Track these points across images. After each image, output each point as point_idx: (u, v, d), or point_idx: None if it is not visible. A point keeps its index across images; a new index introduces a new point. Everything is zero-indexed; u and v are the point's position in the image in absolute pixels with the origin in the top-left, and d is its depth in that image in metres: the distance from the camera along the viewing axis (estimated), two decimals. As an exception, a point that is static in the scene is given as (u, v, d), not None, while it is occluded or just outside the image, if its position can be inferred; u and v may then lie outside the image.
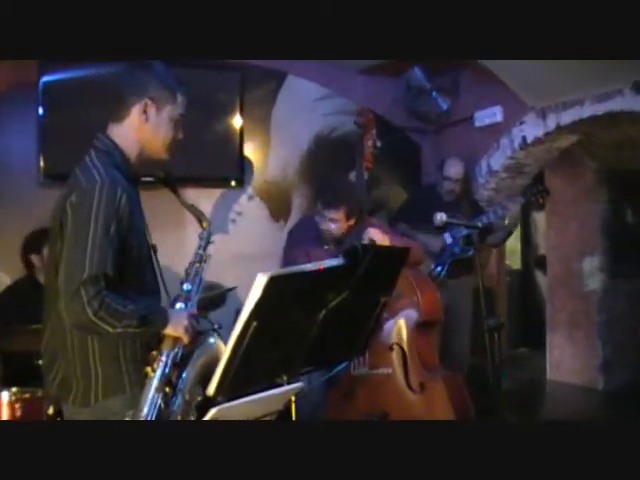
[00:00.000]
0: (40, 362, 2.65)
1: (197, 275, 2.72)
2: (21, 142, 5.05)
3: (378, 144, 4.28)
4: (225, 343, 2.37)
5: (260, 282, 2.22)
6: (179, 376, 2.59)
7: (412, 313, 4.11)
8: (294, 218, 5.88)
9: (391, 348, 4.08)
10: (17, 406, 3.47)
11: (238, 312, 2.28)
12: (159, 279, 2.70)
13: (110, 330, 2.34)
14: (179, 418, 2.56)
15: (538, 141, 5.66)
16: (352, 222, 4.19)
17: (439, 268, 5.37)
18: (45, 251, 4.08)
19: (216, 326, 3.05)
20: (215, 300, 4.62)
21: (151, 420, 2.46)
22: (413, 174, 6.56)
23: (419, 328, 4.12)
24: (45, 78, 4.91)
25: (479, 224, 4.92)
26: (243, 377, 2.36)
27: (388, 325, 4.10)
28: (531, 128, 5.65)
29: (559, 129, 5.43)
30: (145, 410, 2.46)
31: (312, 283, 2.43)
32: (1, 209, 4.89)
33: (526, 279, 9.39)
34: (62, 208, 2.42)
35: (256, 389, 2.39)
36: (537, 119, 5.57)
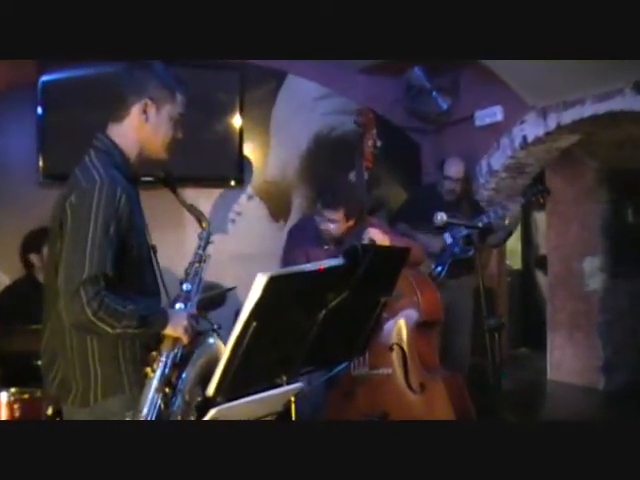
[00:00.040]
0: (39, 362, 2.64)
1: (197, 275, 2.72)
2: (20, 142, 5.05)
3: (378, 144, 4.27)
4: (225, 343, 2.37)
5: (260, 282, 2.21)
6: (179, 376, 2.59)
7: (412, 313, 4.10)
8: (294, 218, 5.87)
9: (391, 348, 4.07)
10: (16, 406, 3.46)
11: (238, 312, 2.28)
12: (159, 279, 2.69)
13: (109, 330, 2.33)
14: (179, 419, 2.56)
15: (539, 141, 5.66)
16: (351, 223, 4.18)
17: (439, 268, 5.36)
18: (44, 251, 4.08)
19: (216, 326, 3.04)
20: (215, 300, 4.60)
21: (150, 420, 2.45)
22: (413, 174, 6.56)
23: (419, 328, 4.11)
24: (44, 78, 4.91)
25: (479, 224, 4.91)
26: (243, 377, 2.35)
27: (388, 325, 4.09)
28: (531, 128, 5.64)
29: (560, 129, 5.43)
30: (145, 411, 2.46)
31: (312, 283, 2.42)
32: (0, 209, 4.89)
33: (527, 279, 9.38)
34: (62, 208, 2.42)
35: (256, 389, 2.38)
36: (538, 119, 5.56)
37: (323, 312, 2.48)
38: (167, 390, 2.52)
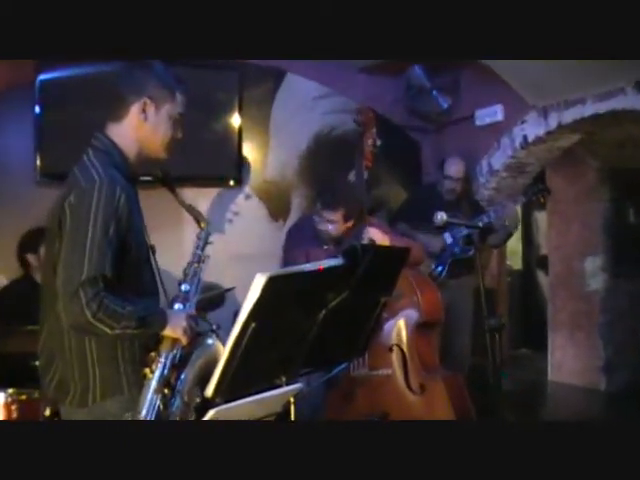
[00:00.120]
0: (37, 363, 2.62)
1: (195, 276, 2.72)
2: (18, 141, 5.04)
3: (378, 143, 4.26)
4: (224, 344, 2.36)
5: (259, 282, 2.20)
6: (178, 377, 2.58)
7: (412, 313, 4.09)
8: (293, 218, 5.86)
9: (391, 349, 4.06)
10: (13, 407, 3.45)
11: (237, 313, 2.27)
12: (157, 279, 2.68)
13: (108, 331, 2.33)
14: (178, 419, 2.55)
15: (539, 140, 5.64)
16: (350, 224, 4.18)
17: (439, 268, 5.35)
18: (42, 250, 4.07)
19: (214, 327, 3.04)
20: (214, 301, 4.59)
21: (149, 420, 2.45)
22: (413, 173, 6.55)
23: (419, 329, 4.10)
24: (42, 77, 4.89)
25: (480, 224, 4.90)
26: (242, 378, 2.34)
27: (388, 326, 4.08)
28: (532, 127, 5.63)
29: (560, 128, 5.41)
30: (144, 412, 2.46)
31: (311, 283, 2.41)
32: (-2, 208, 4.89)
33: (527, 279, 9.37)
34: (60, 208, 2.41)
35: (255, 390, 2.37)
36: (538, 118, 5.55)
37: (323, 312, 2.47)
38: (166, 391, 2.51)
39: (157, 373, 2.50)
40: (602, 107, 4.99)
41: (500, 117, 5.93)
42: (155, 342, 2.53)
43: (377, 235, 4.01)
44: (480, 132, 6.12)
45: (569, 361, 7.21)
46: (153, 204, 3.12)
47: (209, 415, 2.21)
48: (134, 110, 2.57)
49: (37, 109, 4.92)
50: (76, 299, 2.27)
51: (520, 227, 8.53)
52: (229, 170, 5.66)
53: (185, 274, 2.71)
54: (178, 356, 2.56)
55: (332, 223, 4.13)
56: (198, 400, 2.58)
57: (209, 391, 2.30)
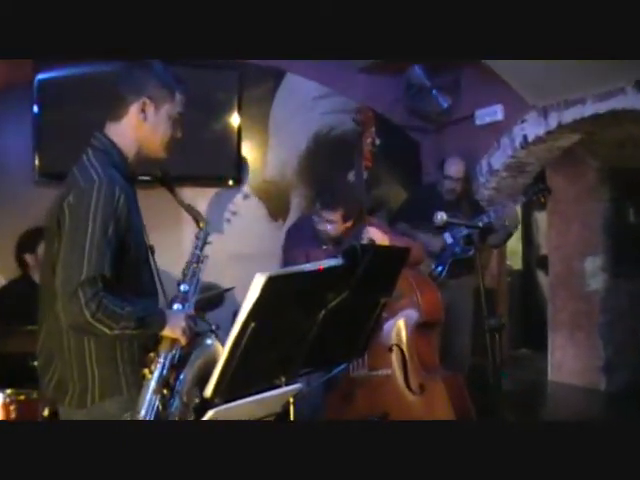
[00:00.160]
0: (35, 363, 2.61)
1: (194, 276, 2.72)
2: (16, 141, 5.04)
3: (377, 142, 4.25)
4: (223, 344, 2.35)
5: (258, 282, 2.19)
6: (177, 378, 2.58)
7: (412, 314, 4.09)
8: (292, 218, 5.85)
9: (390, 349, 4.05)
10: (12, 408, 3.44)
11: (236, 313, 2.26)
12: (156, 280, 2.68)
13: (107, 332, 2.32)
14: (177, 420, 2.55)
15: (539, 140, 5.63)
16: (349, 224, 4.18)
17: (440, 268, 5.35)
18: (40, 250, 4.09)
19: (214, 327, 3.03)
20: (213, 301, 4.59)
21: (148, 420, 2.44)
22: (413, 173, 6.54)
23: (419, 329, 4.09)
24: (40, 76, 4.89)
25: (480, 224, 4.90)
26: (241, 378, 2.34)
27: (387, 326, 4.07)
28: (532, 127, 5.62)
29: (560, 128, 5.41)
30: (142, 412, 2.45)
31: (311, 283, 2.41)
32: (-4, 208, 4.88)
33: (527, 279, 9.35)
34: (59, 208, 2.41)
35: (254, 390, 2.36)
36: (538, 118, 5.54)
37: (322, 312, 2.46)
38: (165, 391, 2.51)
39: (156, 373, 2.50)
40: (602, 107, 4.98)
41: (500, 117, 5.92)
42: (154, 342, 2.53)
43: (377, 235, 4.01)
44: (480, 132, 6.11)
45: (569, 361, 7.20)
46: (152, 204, 3.12)
47: (208, 415, 2.20)
48: (133, 110, 2.56)
49: (35, 109, 4.92)
50: (75, 299, 2.27)
51: (520, 227, 8.53)
52: (228, 170, 5.65)
53: (184, 274, 2.71)
54: (177, 356, 2.56)
55: (331, 223, 4.13)
56: (197, 400, 2.58)
57: (208, 391, 2.29)
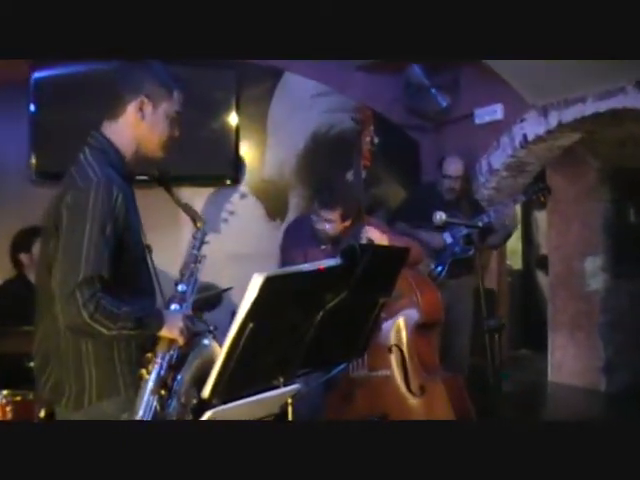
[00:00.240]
0: (32, 364, 2.62)
1: (192, 276, 2.72)
2: (13, 140, 5.01)
3: (376, 141, 4.24)
4: (220, 344, 2.34)
5: (256, 283, 2.18)
6: (174, 378, 2.58)
7: (411, 314, 4.07)
8: (291, 217, 5.83)
9: (390, 350, 4.04)
10: (8, 409, 3.43)
11: (234, 313, 2.26)
12: (154, 280, 2.67)
13: (105, 332, 2.32)
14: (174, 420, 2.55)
15: (539, 139, 5.62)
16: (347, 223, 4.16)
17: (439, 268, 5.33)
18: (35, 250, 4.08)
19: (211, 327, 3.03)
20: (210, 301, 4.57)
21: (145, 420, 2.44)
22: (412, 172, 6.52)
23: (419, 329, 4.07)
24: (37, 75, 4.87)
25: (479, 223, 4.89)
26: (239, 379, 2.32)
27: (387, 326, 4.06)
28: (532, 126, 5.61)
29: (561, 127, 5.40)
30: (140, 413, 2.45)
31: (309, 283, 2.40)
32: (-7, 207, 4.88)
33: (527, 279, 9.35)
34: (57, 208, 2.40)
35: (252, 391, 2.36)
36: (538, 117, 5.53)
37: (321, 313, 2.45)
38: (163, 392, 2.51)
39: (154, 374, 2.50)
40: (603, 106, 4.97)
41: (500, 116, 5.91)
42: (152, 343, 2.52)
43: (375, 235, 3.99)
44: (480, 131, 6.10)
45: (569, 361, 7.19)
46: (150, 203, 3.12)
47: (206, 416, 2.19)
48: (131, 108, 2.56)
49: (32, 107, 4.90)
50: (73, 300, 2.26)
51: (520, 227, 8.53)
52: (226, 169, 5.64)
53: (181, 274, 2.71)
54: (175, 357, 2.56)
55: (329, 222, 4.12)
56: (195, 401, 2.59)
57: (206, 392, 2.28)
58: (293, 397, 2.49)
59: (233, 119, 5.56)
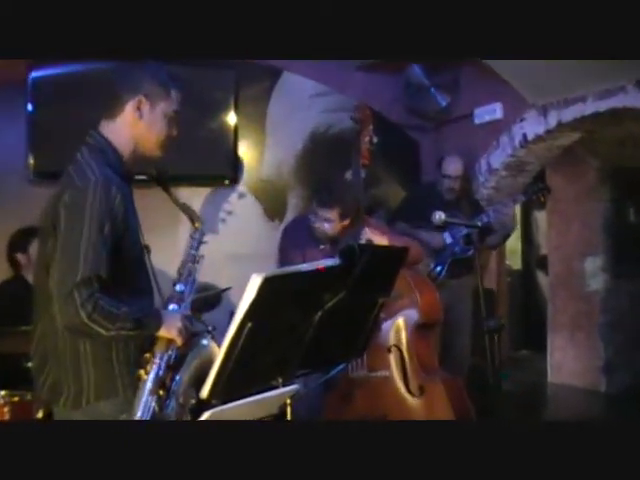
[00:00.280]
0: (30, 364, 2.61)
1: (190, 276, 2.72)
2: (10, 139, 5.01)
3: (375, 140, 4.23)
4: (219, 345, 2.34)
5: (255, 283, 2.18)
6: (173, 379, 2.59)
7: (411, 314, 4.06)
8: (289, 217, 5.82)
9: (389, 350, 4.02)
10: (6, 409, 3.42)
11: (232, 313, 2.25)
12: (152, 280, 2.67)
13: (103, 332, 2.31)
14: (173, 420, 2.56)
15: (539, 139, 5.61)
16: (346, 223, 4.15)
17: (439, 268, 5.33)
18: (31, 249, 4.09)
19: (210, 328, 3.03)
20: (209, 301, 4.57)
21: (144, 420, 2.44)
22: (412, 172, 6.51)
23: (418, 330, 4.06)
24: (34, 74, 4.88)
25: (479, 223, 4.88)
26: (237, 379, 2.32)
27: (386, 326, 4.04)
28: (531, 125, 5.60)
29: (560, 126, 5.39)
30: (138, 413, 2.45)
31: (308, 284, 2.39)
32: (-10, 206, 4.87)
33: (527, 279, 9.33)
34: (54, 207, 2.40)
35: (251, 392, 2.35)
36: (538, 116, 5.52)
37: (320, 313, 2.44)
38: (161, 392, 2.51)
39: (152, 374, 2.50)
40: (602, 105, 4.96)
41: (499, 115, 5.90)
42: (150, 343, 2.52)
43: (375, 235, 3.98)
44: (479, 130, 6.09)
45: (569, 362, 7.18)
46: (149, 203, 3.12)
47: (204, 417, 2.18)
48: (129, 108, 2.56)
49: (30, 107, 4.90)
50: (70, 300, 2.26)
51: (520, 227, 8.52)
52: (225, 169, 5.64)
53: (180, 274, 2.70)
54: (173, 357, 2.56)
55: (328, 221, 4.11)
56: (193, 401, 2.59)
57: (204, 392, 2.28)
58: (292, 398, 2.48)
59: (231, 119, 5.55)
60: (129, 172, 2.60)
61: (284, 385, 2.45)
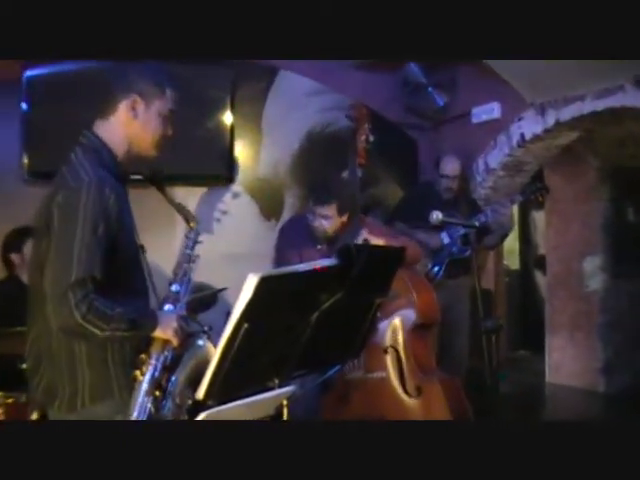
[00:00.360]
0: (24, 366, 2.60)
1: (185, 276, 2.71)
2: (4, 139, 5.01)
3: (371, 139, 4.21)
4: (215, 345, 2.31)
5: (251, 283, 2.16)
6: (169, 379, 2.58)
7: (408, 315, 4.05)
8: (286, 217, 5.84)
9: (386, 351, 4.01)
10: (0, 411, 3.42)
11: (228, 314, 2.23)
12: (147, 280, 2.66)
13: (98, 333, 2.31)
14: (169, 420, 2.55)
15: (537, 138, 5.62)
16: (345, 218, 4.13)
17: (436, 268, 5.32)
18: (26, 249, 4.07)
19: (206, 328, 3.02)
20: (205, 301, 4.55)
21: (140, 421, 2.44)
22: (410, 171, 6.51)
23: (415, 330, 4.05)
24: (29, 73, 4.87)
25: (476, 223, 4.86)
26: (234, 380, 2.30)
27: (382, 327, 4.03)
28: (529, 125, 5.61)
29: (558, 125, 5.39)
30: (134, 414, 2.45)
31: (305, 284, 2.38)
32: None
33: (525, 280, 9.34)
34: (48, 208, 2.39)
35: (247, 392, 2.34)
36: (536, 115, 5.52)
37: (316, 313, 2.43)
38: (157, 393, 2.51)
39: (148, 375, 2.50)
40: (601, 104, 4.97)
41: (497, 114, 5.91)
42: (145, 344, 2.51)
43: (372, 235, 3.97)
44: (477, 130, 6.10)
45: (568, 362, 7.18)
46: (144, 203, 3.11)
47: (200, 417, 2.17)
48: (123, 107, 2.55)
49: (24, 106, 4.90)
50: (65, 301, 2.26)
51: (517, 226, 8.52)
52: (220, 168, 5.62)
53: (175, 274, 2.70)
54: (169, 358, 2.56)
55: (327, 218, 4.08)
56: (189, 402, 2.57)
57: (200, 393, 2.26)
58: (288, 399, 2.47)
59: (228, 118, 5.53)
60: (124, 172, 2.59)
61: (280, 386, 2.43)
